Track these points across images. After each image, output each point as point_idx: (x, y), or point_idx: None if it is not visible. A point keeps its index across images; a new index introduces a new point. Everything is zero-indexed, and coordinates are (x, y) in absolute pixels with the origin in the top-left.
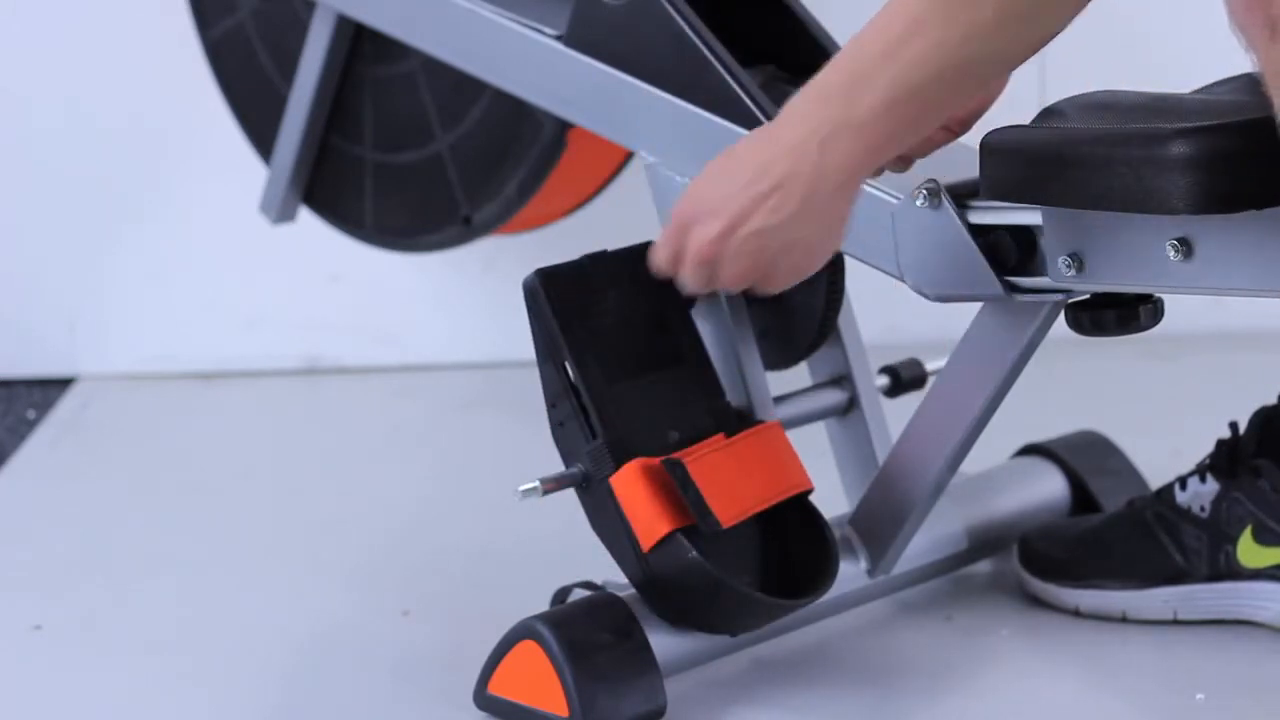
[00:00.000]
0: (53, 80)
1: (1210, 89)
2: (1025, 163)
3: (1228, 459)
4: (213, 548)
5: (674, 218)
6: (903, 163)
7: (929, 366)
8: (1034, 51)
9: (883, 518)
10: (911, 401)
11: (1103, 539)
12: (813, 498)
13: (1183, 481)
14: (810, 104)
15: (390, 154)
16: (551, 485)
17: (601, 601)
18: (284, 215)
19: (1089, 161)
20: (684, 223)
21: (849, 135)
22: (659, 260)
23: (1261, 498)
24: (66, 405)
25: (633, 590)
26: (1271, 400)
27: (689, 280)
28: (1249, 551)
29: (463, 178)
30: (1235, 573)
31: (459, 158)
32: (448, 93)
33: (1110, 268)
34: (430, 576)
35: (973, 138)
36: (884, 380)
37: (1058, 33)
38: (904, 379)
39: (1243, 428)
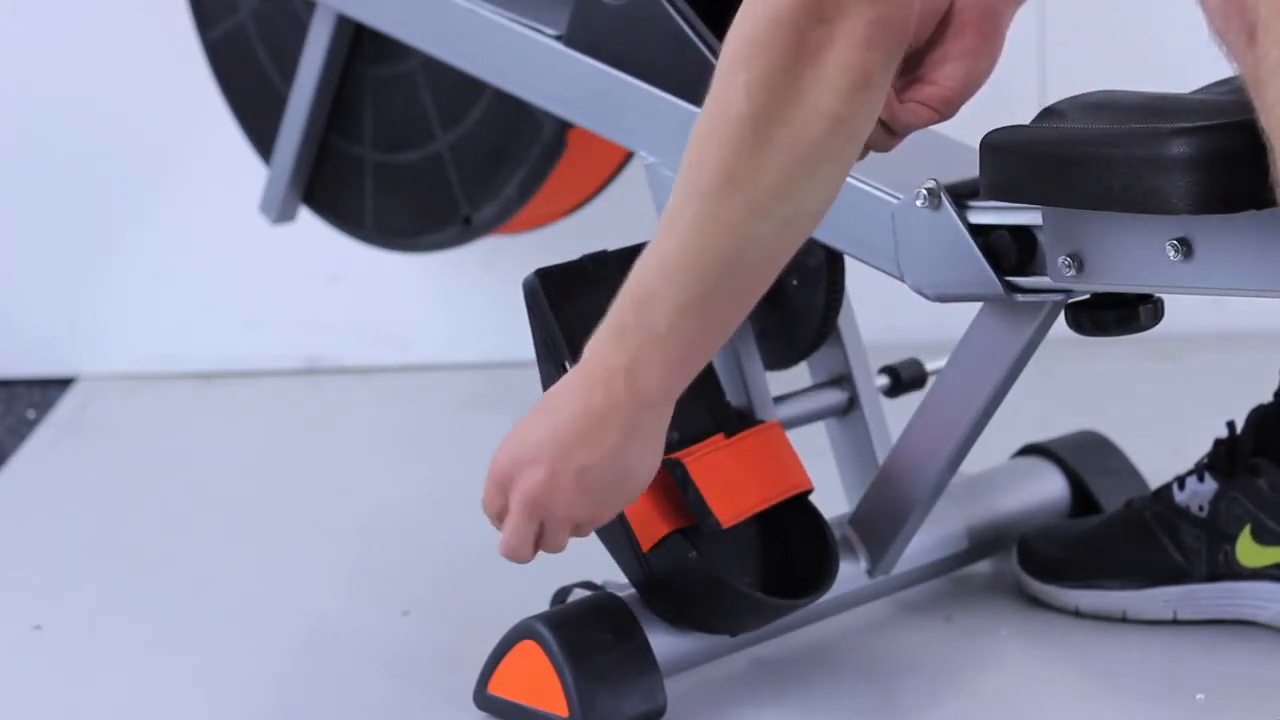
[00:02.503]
0: (52, 80)
1: (1210, 89)
2: (1025, 163)
3: (1226, 458)
4: (212, 548)
5: (493, 473)
6: (892, 137)
7: (929, 366)
8: (811, 228)
9: (883, 518)
10: (911, 401)
11: (1102, 539)
12: (813, 498)
13: (1181, 481)
14: (609, 338)
15: (390, 154)
16: None
17: (601, 601)
18: (284, 215)
19: (1089, 161)
20: (505, 475)
21: (651, 357)
22: (489, 514)
23: (1260, 497)
24: (66, 405)
25: (633, 590)
26: (1269, 399)
27: (517, 534)
28: (1248, 551)
29: (463, 178)
30: (1234, 572)
31: (459, 158)
32: (448, 93)
33: (1110, 268)
34: (430, 576)
35: (973, 138)
36: (884, 380)
37: (826, 207)
38: (904, 379)
39: (1240, 427)
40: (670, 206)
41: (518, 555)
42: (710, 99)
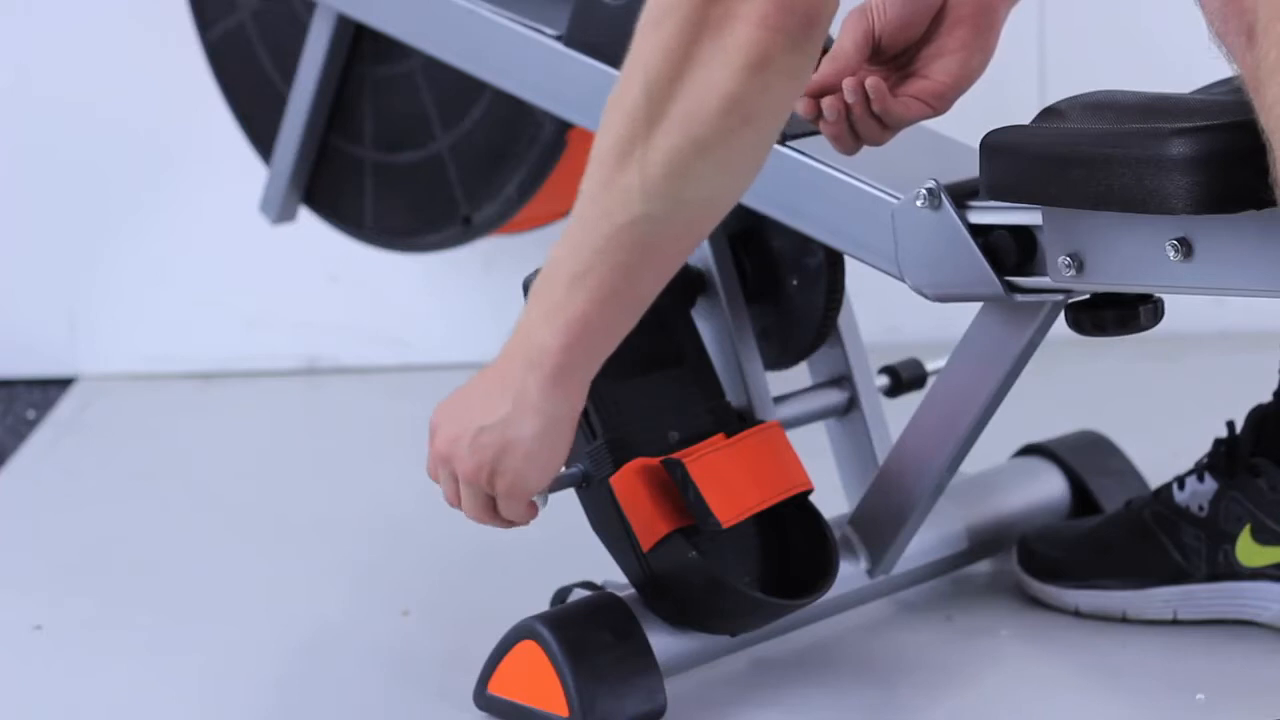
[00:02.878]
0: (52, 81)
1: (1210, 89)
2: (1025, 163)
3: (1226, 458)
4: (212, 548)
5: (429, 446)
6: (886, 131)
7: (929, 366)
8: (705, 220)
9: (883, 518)
10: (911, 401)
11: (1102, 540)
12: (813, 498)
13: (1181, 481)
14: (528, 303)
15: (390, 154)
16: (552, 485)
17: (601, 601)
18: (284, 215)
19: (1089, 161)
20: (431, 430)
21: (543, 324)
22: (431, 475)
23: (1260, 496)
24: (66, 405)
25: (633, 590)
26: (1268, 399)
27: (447, 485)
28: (1248, 550)
29: (463, 178)
30: (1234, 572)
31: (459, 158)
32: (448, 93)
33: (1110, 268)
34: (430, 576)
35: (973, 138)
36: (884, 380)
37: (723, 201)
38: (904, 379)
39: (1240, 427)
40: (585, 173)
41: (451, 504)
42: (624, 65)
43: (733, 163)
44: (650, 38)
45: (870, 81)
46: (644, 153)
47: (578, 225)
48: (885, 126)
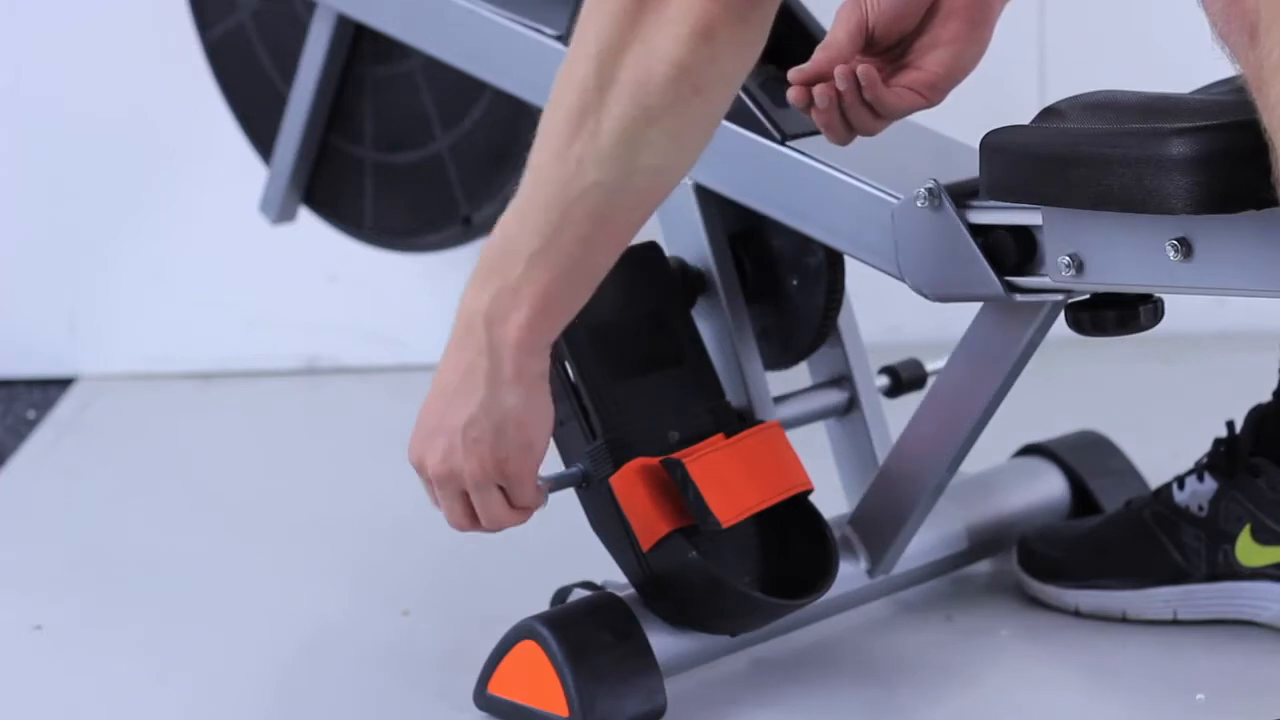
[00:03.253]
0: (52, 81)
1: (1210, 89)
2: (1025, 163)
3: (1226, 458)
4: (212, 548)
5: (413, 467)
6: (879, 121)
7: (929, 367)
8: (656, 189)
9: (883, 518)
10: (911, 401)
11: (1101, 540)
12: (813, 498)
13: (1180, 481)
14: (474, 284)
15: (390, 154)
16: (551, 485)
17: (601, 601)
18: (284, 215)
19: (1089, 161)
20: (419, 463)
21: (509, 303)
22: (437, 507)
23: (1260, 496)
24: (66, 405)
25: (633, 590)
26: (1268, 399)
27: (449, 510)
28: (1248, 550)
29: (463, 178)
30: (1234, 572)
31: (459, 158)
32: (448, 93)
33: (1110, 268)
34: (430, 576)
35: (973, 138)
36: (884, 380)
37: (673, 171)
38: (904, 379)
39: (1239, 427)
40: (533, 148)
41: (460, 527)
42: (571, 41)
43: (683, 132)
44: (598, 9)
45: (862, 69)
46: (596, 122)
47: (530, 201)
48: (878, 116)
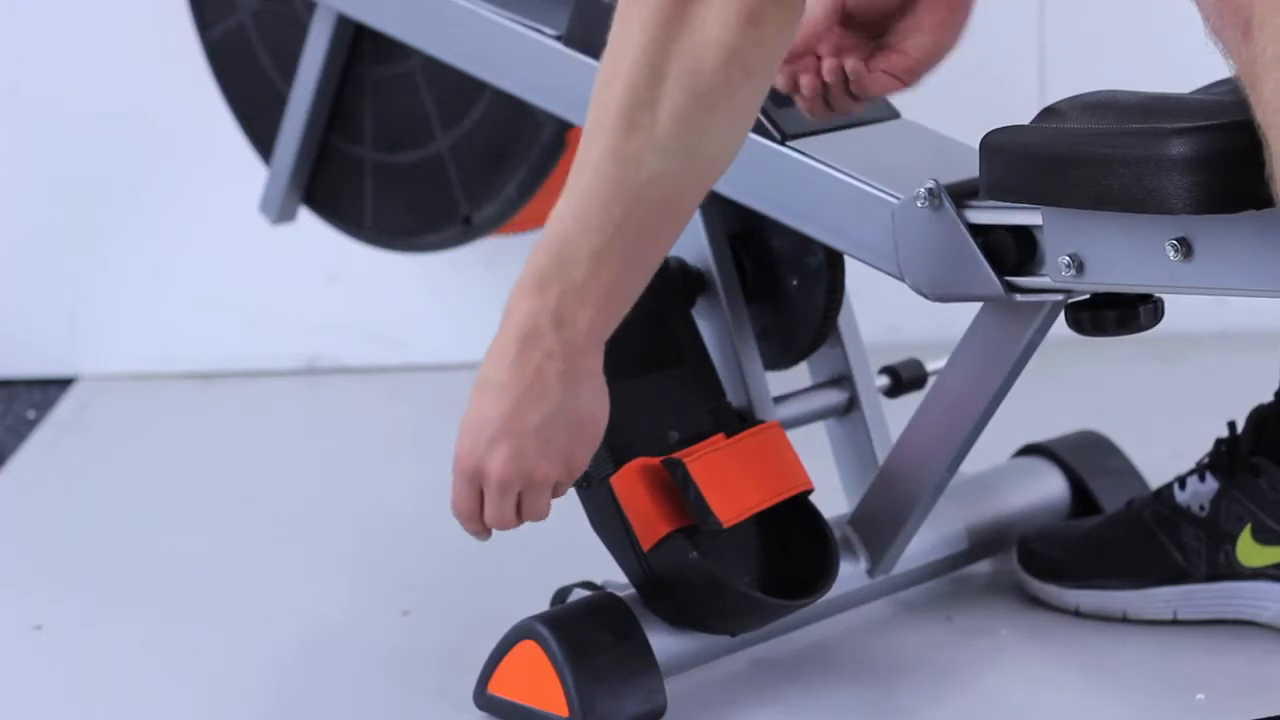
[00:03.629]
0: (52, 81)
1: (1210, 89)
2: (1025, 163)
3: (1226, 458)
4: (212, 548)
5: (460, 470)
6: (856, 103)
7: (929, 367)
8: (715, 171)
9: (883, 518)
10: (911, 401)
11: (1102, 539)
12: (813, 498)
13: (1181, 481)
14: (531, 291)
15: (390, 154)
16: None
17: (601, 601)
18: (284, 215)
19: (1089, 161)
20: (472, 468)
21: (576, 303)
22: (462, 515)
23: (1261, 496)
24: (66, 405)
25: (633, 590)
26: (1269, 399)
27: (499, 512)
28: (1248, 550)
29: (463, 178)
30: (1235, 572)
31: (459, 158)
32: (448, 93)
33: (1110, 268)
34: (430, 576)
35: (973, 138)
36: (885, 380)
37: (730, 150)
38: (905, 379)
39: (1240, 427)
40: (580, 149)
41: (503, 526)
42: (610, 39)
43: (736, 115)
44: (636, 9)
45: (851, 65)
46: (651, 116)
47: (588, 200)
48: (856, 99)
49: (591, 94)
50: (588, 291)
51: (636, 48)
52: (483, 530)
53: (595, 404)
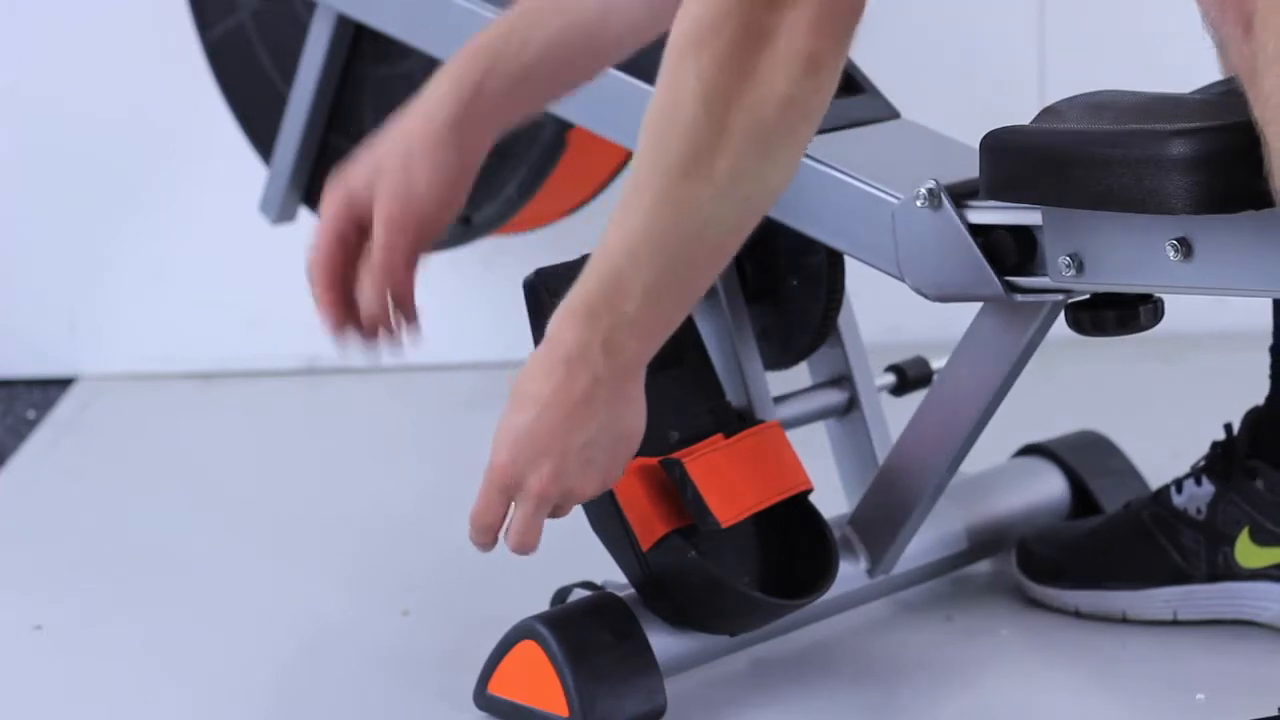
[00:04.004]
0: (52, 80)
1: (1210, 89)
2: (1025, 163)
3: (1222, 461)
4: (212, 547)
5: (494, 480)
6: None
7: (935, 365)
8: (767, 207)
9: (883, 518)
10: (912, 401)
11: (1101, 541)
12: (813, 498)
13: (1178, 484)
14: (581, 319)
15: None
16: None
17: (601, 601)
18: (284, 215)
19: (1089, 161)
20: (509, 480)
21: (627, 333)
22: (483, 527)
23: (1258, 499)
24: (66, 405)
25: (633, 590)
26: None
27: (531, 528)
28: (1247, 552)
29: None
30: (1234, 573)
31: None
32: None
33: (1110, 268)
34: (430, 576)
35: (973, 138)
36: (890, 379)
37: (783, 187)
38: (910, 377)
39: (1236, 430)
40: (630, 188)
41: (529, 546)
42: (662, 84)
43: (793, 155)
44: (698, 56)
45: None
46: (710, 165)
47: (642, 239)
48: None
49: (641, 134)
50: (639, 323)
51: (696, 99)
52: (492, 543)
53: (636, 423)
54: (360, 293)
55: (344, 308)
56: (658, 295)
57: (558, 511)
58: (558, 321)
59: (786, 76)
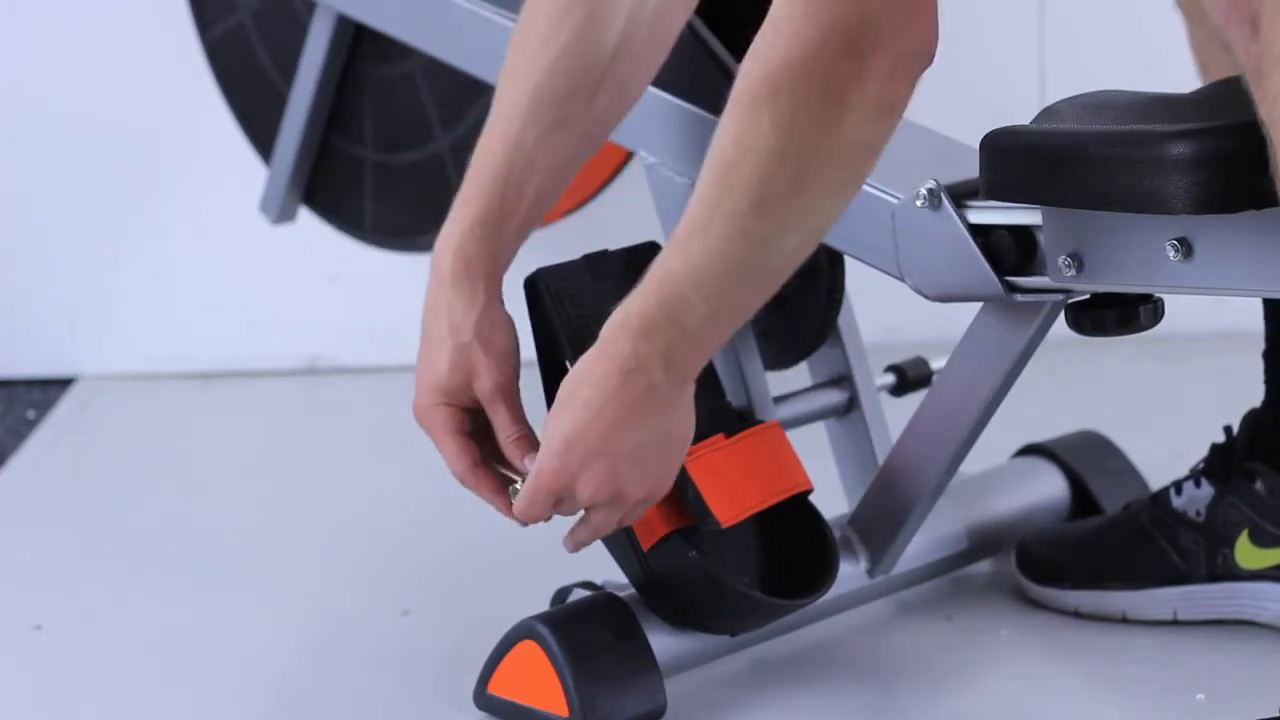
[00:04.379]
0: (52, 80)
1: (1210, 89)
2: (1025, 163)
3: (1221, 463)
4: (212, 548)
5: (544, 483)
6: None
7: (934, 365)
8: (830, 229)
9: (883, 518)
10: (912, 401)
11: (1100, 542)
12: (813, 498)
13: (1178, 486)
14: (639, 332)
15: (390, 154)
16: None
17: (601, 601)
18: (284, 215)
19: (1089, 161)
20: (560, 482)
21: (684, 347)
22: (527, 520)
23: (1257, 501)
24: (66, 405)
25: (633, 590)
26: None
27: (598, 530)
28: (1247, 554)
29: (462, 178)
30: (1234, 574)
31: (459, 158)
32: (448, 93)
33: (1110, 268)
34: (430, 576)
35: (973, 138)
36: (890, 379)
37: (845, 210)
38: (910, 377)
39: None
40: (696, 222)
41: (581, 546)
42: (731, 128)
43: (857, 187)
44: (774, 105)
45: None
46: (785, 206)
47: (706, 270)
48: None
49: (705, 173)
50: (698, 339)
51: (770, 148)
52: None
53: (687, 429)
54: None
55: (505, 493)
56: (719, 316)
57: (610, 521)
58: (612, 333)
59: (863, 122)
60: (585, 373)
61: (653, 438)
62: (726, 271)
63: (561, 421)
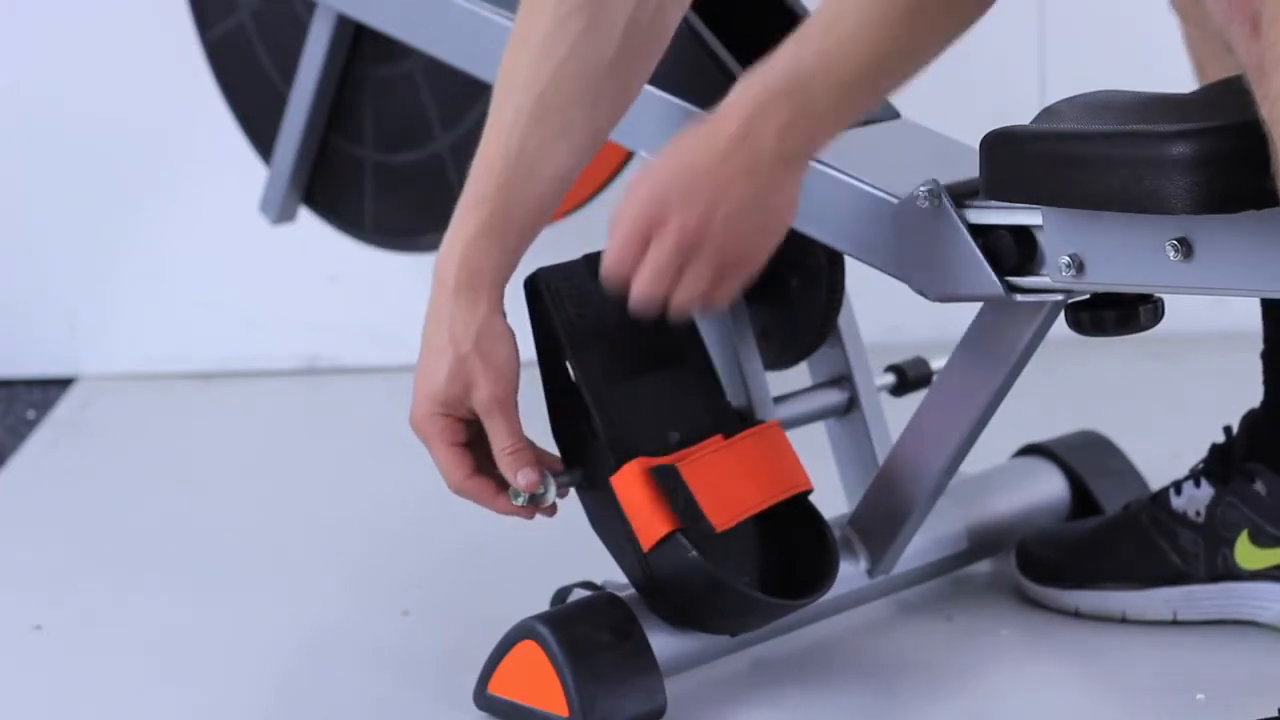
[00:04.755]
0: (52, 80)
1: (1210, 89)
2: (1025, 163)
3: (1221, 463)
4: (212, 548)
5: (632, 214)
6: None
7: (934, 365)
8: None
9: (883, 518)
10: (912, 401)
11: (1100, 542)
12: (813, 498)
13: (1178, 486)
14: (752, 107)
15: (390, 154)
16: (559, 485)
17: (601, 601)
18: (284, 215)
19: (1089, 161)
20: (651, 214)
21: (807, 123)
22: (616, 260)
23: (1257, 501)
24: (66, 405)
25: (633, 590)
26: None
27: (660, 276)
28: (1247, 554)
29: (463, 178)
30: (1234, 574)
31: (459, 158)
32: (448, 93)
33: (1110, 268)
34: (430, 576)
35: (973, 138)
36: (890, 379)
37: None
38: (910, 377)
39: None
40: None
41: (654, 293)
42: None
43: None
44: None
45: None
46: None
47: (837, 57)
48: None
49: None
50: (820, 120)
51: None
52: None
53: (786, 215)
54: (507, 478)
55: (504, 494)
56: (850, 92)
57: (699, 284)
58: (730, 105)
59: None
60: (692, 133)
61: (752, 203)
62: (854, 41)
63: (662, 162)
